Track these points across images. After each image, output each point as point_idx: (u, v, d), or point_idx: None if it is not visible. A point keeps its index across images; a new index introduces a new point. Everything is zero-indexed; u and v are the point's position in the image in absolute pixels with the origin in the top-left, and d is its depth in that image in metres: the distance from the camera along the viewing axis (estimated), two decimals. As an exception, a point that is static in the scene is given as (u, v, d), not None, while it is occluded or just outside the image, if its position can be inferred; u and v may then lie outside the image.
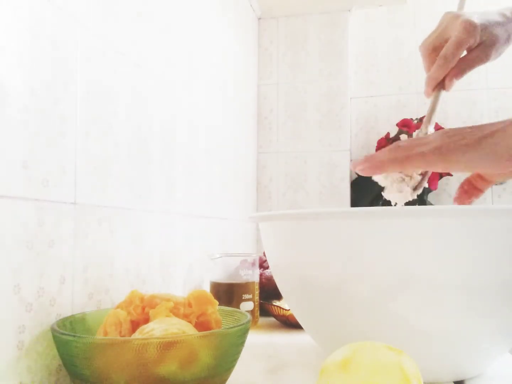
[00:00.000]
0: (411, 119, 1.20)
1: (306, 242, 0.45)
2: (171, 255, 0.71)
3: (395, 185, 0.48)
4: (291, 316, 0.72)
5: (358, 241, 0.41)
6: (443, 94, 0.54)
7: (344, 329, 0.45)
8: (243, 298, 0.73)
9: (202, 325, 0.44)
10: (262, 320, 0.79)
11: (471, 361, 0.44)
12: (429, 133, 0.51)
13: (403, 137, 1.20)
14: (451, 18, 0.54)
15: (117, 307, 0.44)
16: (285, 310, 0.73)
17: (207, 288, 0.78)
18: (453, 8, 0.59)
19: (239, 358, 0.43)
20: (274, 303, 0.76)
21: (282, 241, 0.49)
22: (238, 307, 0.71)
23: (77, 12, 0.49)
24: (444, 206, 0.40)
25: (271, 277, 0.84)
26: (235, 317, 0.48)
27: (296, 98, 1.25)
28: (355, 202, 1.21)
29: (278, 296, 0.81)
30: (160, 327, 0.39)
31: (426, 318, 0.41)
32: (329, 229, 0.43)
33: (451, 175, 1.20)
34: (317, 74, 1.24)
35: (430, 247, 0.40)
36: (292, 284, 0.49)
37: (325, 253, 0.44)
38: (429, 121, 0.53)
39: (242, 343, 0.42)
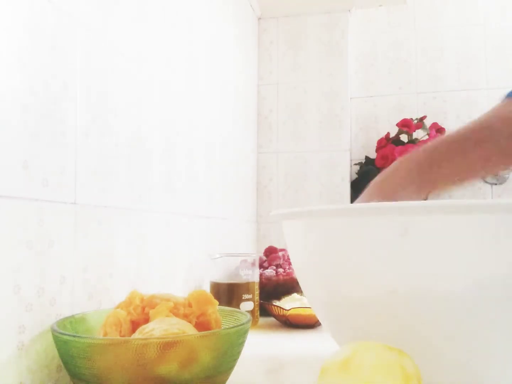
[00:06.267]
0: (411, 119, 1.20)
1: (339, 240, 0.44)
2: (171, 255, 0.71)
3: None
4: (291, 316, 0.72)
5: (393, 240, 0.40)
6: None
7: (367, 332, 0.44)
8: (243, 298, 0.73)
9: (202, 325, 0.44)
10: (262, 320, 0.79)
11: (487, 368, 0.43)
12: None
13: (403, 137, 1.20)
14: None
15: (117, 307, 0.44)
16: (285, 310, 0.73)
17: (207, 288, 0.78)
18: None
19: (239, 358, 0.43)
20: (274, 303, 0.76)
21: (313, 238, 0.47)
22: (238, 307, 0.71)
23: (77, 12, 0.49)
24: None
25: (271, 277, 0.84)
26: (235, 317, 0.48)
27: (296, 98, 1.25)
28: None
29: (278, 296, 0.81)
30: (160, 327, 0.39)
31: (441, 322, 0.40)
32: (363, 226, 0.41)
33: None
34: (317, 74, 1.24)
35: (450, 245, 0.39)
36: (319, 284, 0.48)
37: (358, 251, 0.42)
38: None
39: (242, 343, 0.42)
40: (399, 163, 0.60)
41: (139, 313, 0.43)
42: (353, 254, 0.43)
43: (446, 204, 0.39)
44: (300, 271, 0.52)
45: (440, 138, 0.62)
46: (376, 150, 1.22)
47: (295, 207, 1.21)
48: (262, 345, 0.62)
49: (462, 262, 0.39)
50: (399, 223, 0.39)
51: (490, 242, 0.38)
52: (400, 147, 1.16)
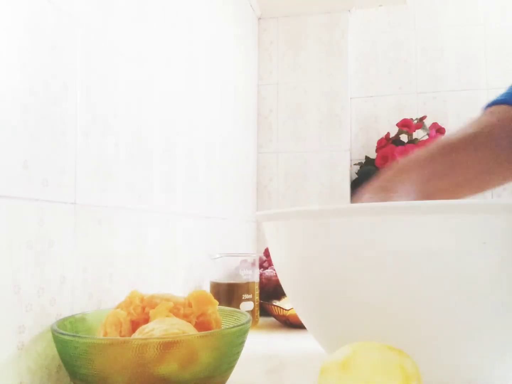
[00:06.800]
0: (411, 119, 1.20)
1: (316, 240, 0.43)
2: (171, 255, 0.71)
3: None
4: (291, 316, 0.72)
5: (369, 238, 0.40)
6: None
7: (351, 331, 0.44)
8: (243, 298, 0.73)
9: (202, 325, 0.44)
10: (262, 320, 0.79)
11: (484, 367, 0.42)
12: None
13: (403, 137, 1.20)
14: None
15: (117, 307, 0.44)
16: (285, 310, 0.73)
17: (207, 288, 0.78)
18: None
19: (239, 358, 0.43)
20: (274, 303, 0.76)
21: (290, 239, 0.47)
22: (238, 307, 0.71)
23: (77, 12, 0.49)
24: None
25: (271, 277, 0.84)
26: (235, 317, 0.48)
27: (296, 98, 1.25)
28: (355, 202, 1.21)
29: (278, 296, 0.81)
30: (160, 327, 0.39)
31: (437, 320, 0.40)
32: (336, 226, 0.41)
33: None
34: (317, 74, 1.24)
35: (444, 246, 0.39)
36: (299, 284, 0.47)
37: (334, 251, 0.42)
38: None
39: (242, 343, 0.42)
40: (400, 170, 0.58)
41: (139, 313, 0.43)
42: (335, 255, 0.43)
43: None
44: (283, 274, 0.51)
45: (439, 143, 0.60)
46: (376, 150, 1.22)
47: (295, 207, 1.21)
48: (262, 345, 0.62)
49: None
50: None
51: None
52: (400, 147, 1.16)
